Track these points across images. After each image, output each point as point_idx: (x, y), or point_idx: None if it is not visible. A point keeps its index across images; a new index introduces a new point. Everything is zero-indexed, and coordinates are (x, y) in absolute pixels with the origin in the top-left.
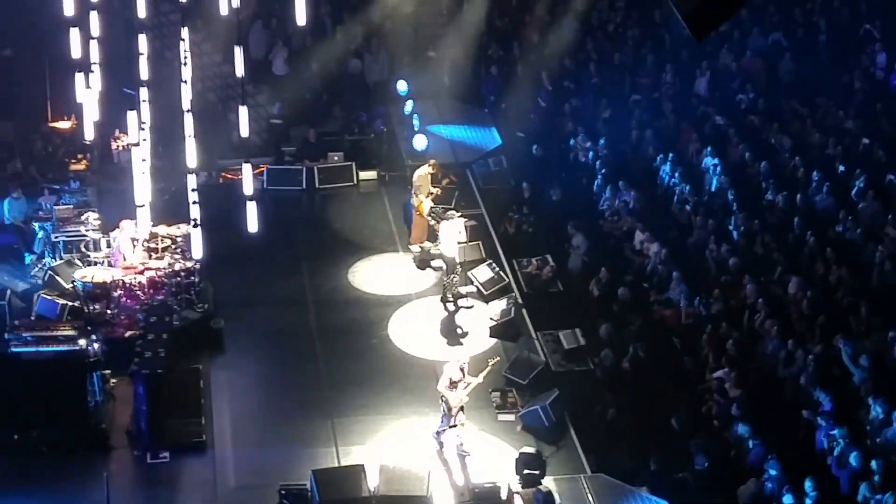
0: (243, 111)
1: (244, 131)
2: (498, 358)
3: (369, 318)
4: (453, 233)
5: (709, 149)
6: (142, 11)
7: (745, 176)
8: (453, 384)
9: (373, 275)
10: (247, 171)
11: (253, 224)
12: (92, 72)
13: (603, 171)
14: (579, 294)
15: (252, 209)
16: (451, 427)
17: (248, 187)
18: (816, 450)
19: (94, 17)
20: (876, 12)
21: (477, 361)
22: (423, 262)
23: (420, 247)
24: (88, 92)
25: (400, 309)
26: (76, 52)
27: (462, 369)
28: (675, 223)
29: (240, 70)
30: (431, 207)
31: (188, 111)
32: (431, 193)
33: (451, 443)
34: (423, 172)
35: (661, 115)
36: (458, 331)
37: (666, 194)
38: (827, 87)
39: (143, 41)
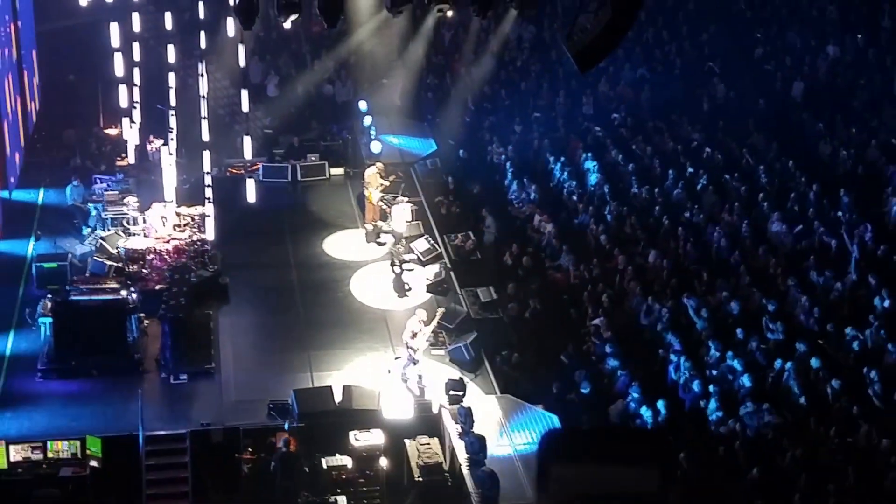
0: (247, 141)
1: (247, 153)
2: (443, 309)
3: (336, 278)
4: (403, 214)
5: (590, 154)
6: (171, 56)
7: (616, 174)
8: (414, 334)
9: (339, 245)
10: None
11: (252, 196)
12: (134, 92)
13: (511, 170)
14: (492, 261)
15: (251, 186)
16: (414, 364)
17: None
18: (668, 379)
19: (135, 48)
20: (717, 52)
21: (424, 313)
22: (372, 236)
23: (373, 225)
24: (132, 130)
25: (358, 271)
26: (120, 71)
27: (421, 321)
28: (565, 208)
29: (245, 105)
30: (382, 196)
31: (204, 118)
32: (381, 185)
33: (414, 376)
34: (371, 171)
35: (555, 129)
36: (405, 287)
37: (558, 187)
38: (680, 108)
39: (171, 77)
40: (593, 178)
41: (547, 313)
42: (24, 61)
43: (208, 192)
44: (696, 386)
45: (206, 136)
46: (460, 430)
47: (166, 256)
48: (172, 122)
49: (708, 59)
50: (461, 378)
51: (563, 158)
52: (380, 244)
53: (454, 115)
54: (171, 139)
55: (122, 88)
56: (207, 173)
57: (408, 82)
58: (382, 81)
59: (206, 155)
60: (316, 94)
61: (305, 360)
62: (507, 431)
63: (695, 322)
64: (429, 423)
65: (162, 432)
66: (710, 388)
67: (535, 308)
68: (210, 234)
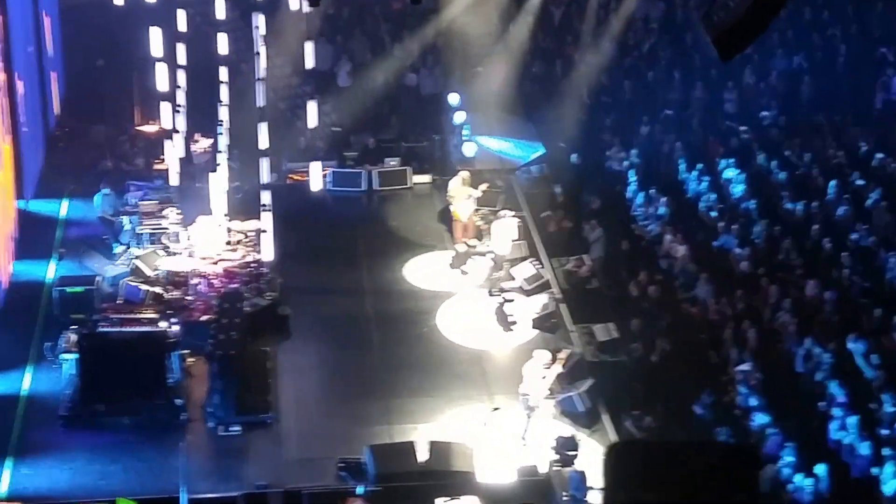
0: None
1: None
2: (569, 351)
3: (420, 309)
4: (506, 231)
5: (733, 160)
6: (223, 44)
7: (766, 185)
8: (534, 381)
9: (424, 270)
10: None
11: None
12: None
13: (636, 179)
14: (613, 290)
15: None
16: (528, 418)
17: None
18: (830, 440)
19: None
20: (891, 37)
21: (546, 355)
22: (459, 261)
23: (465, 245)
24: (174, 122)
25: (447, 301)
26: (158, 51)
27: (545, 366)
28: (702, 227)
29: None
30: (477, 210)
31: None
32: (469, 198)
33: (529, 431)
34: (456, 182)
35: (690, 129)
36: (508, 320)
37: (693, 201)
38: (845, 105)
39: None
40: (737, 191)
41: (679, 356)
42: (42, 41)
43: (266, 202)
44: (865, 448)
45: (263, 136)
46: (571, 499)
47: (214, 281)
48: (223, 115)
49: (879, 44)
50: (573, 435)
51: (699, 165)
52: (463, 272)
53: (566, 111)
54: (221, 136)
55: (161, 69)
56: (265, 184)
57: (509, 71)
58: (478, 70)
59: (264, 159)
60: (397, 84)
61: (383, 410)
62: None
63: (863, 370)
64: (534, 490)
65: (209, 495)
66: (884, 451)
67: (665, 349)
68: (268, 254)
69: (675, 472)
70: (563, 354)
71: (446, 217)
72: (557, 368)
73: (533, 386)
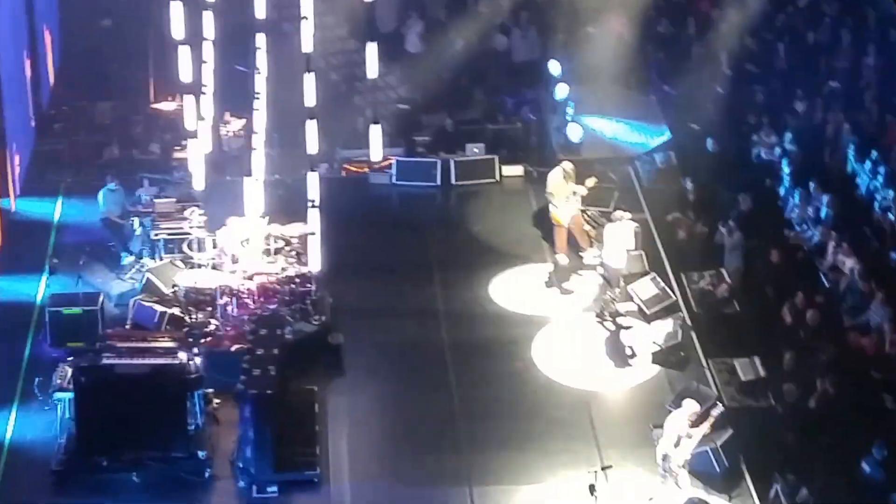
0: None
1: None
2: (720, 407)
3: (511, 338)
4: (621, 238)
5: None
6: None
7: None
8: (679, 438)
9: (517, 288)
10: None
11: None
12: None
13: (790, 171)
14: (759, 315)
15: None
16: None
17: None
18: None
19: None
20: None
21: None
22: (562, 275)
23: (571, 255)
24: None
25: (545, 328)
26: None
27: (690, 418)
28: (877, 234)
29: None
30: (584, 211)
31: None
32: (573, 195)
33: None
34: (557, 175)
35: (861, 107)
36: (627, 351)
37: (865, 200)
38: None
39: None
40: None
41: (845, 399)
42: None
43: (313, 197)
44: None
45: (311, 116)
46: None
47: (247, 300)
48: (260, 87)
49: None
50: (706, 502)
51: (874, 154)
52: (564, 291)
53: (700, 84)
54: (258, 115)
55: (181, 32)
56: (313, 170)
57: (626, 33)
58: (587, 31)
59: (312, 143)
60: (481, 50)
61: (462, 467)
62: None
63: None
64: None
65: None
66: None
67: (827, 391)
68: (315, 265)
69: None
70: (715, 412)
71: (544, 220)
72: (706, 428)
73: (676, 445)
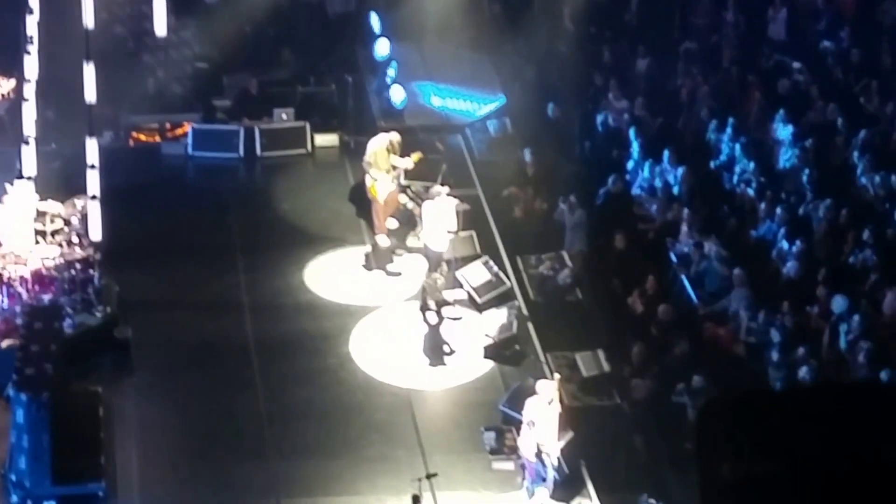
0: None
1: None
2: (557, 376)
3: (325, 331)
4: (441, 217)
5: (781, 112)
6: None
7: (829, 150)
8: (532, 423)
9: (332, 274)
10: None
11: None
12: None
13: (640, 140)
14: (605, 303)
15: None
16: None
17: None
18: None
19: None
20: None
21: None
22: (382, 257)
23: (387, 236)
24: None
25: (365, 319)
26: None
27: (548, 401)
28: (737, 211)
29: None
30: (405, 187)
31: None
32: (395, 170)
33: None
34: (378, 144)
35: (718, 67)
36: (445, 349)
37: (724, 172)
38: None
39: None
40: (787, 157)
41: (703, 396)
42: None
43: (92, 172)
44: None
45: (90, 76)
46: None
47: (20, 289)
48: (31, 47)
49: None
50: None
51: (731, 120)
52: (390, 273)
53: (539, 41)
54: (29, 79)
55: None
56: (93, 144)
57: None
58: None
59: (90, 92)
60: (290, 0)
61: (269, 478)
62: None
63: None
64: None
65: None
66: None
67: (681, 389)
68: (96, 235)
69: (798, 430)
70: (555, 381)
71: (362, 197)
72: (557, 406)
73: (546, 432)
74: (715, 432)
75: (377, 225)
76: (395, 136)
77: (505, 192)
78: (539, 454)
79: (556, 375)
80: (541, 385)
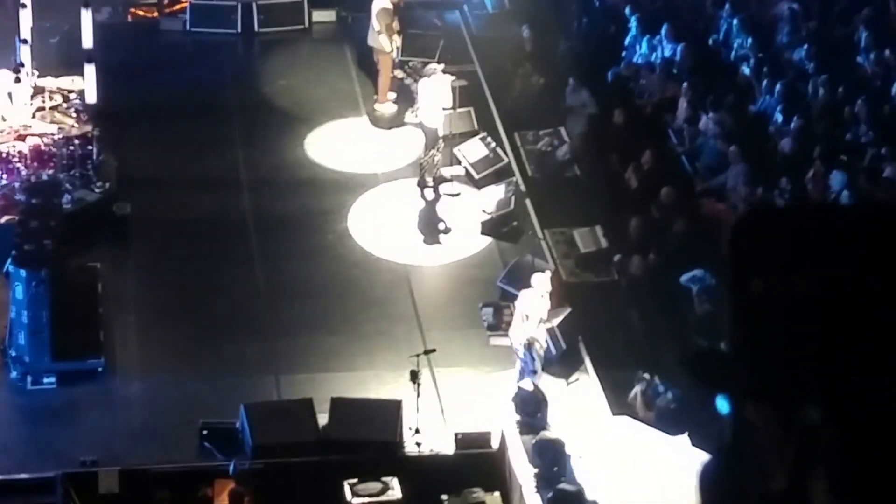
0: None
1: None
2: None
3: (323, 207)
4: (436, 94)
5: None
6: None
7: (828, 23)
8: (526, 318)
9: (329, 147)
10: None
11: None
12: None
13: (637, 15)
14: (601, 179)
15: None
16: (533, 374)
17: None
18: None
19: None
20: None
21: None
22: (382, 121)
23: (384, 104)
24: None
25: (363, 195)
26: None
27: (543, 294)
28: (734, 86)
29: None
30: (404, 62)
31: None
32: (394, 33)
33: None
34: (384, 4)
35: None
36: (440, 225)
37: (722, 47)
38: None
39: None
40: (784, 32)
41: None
42: None
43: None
44: None
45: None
46: (539, 480)
47: (19, 165)
48: None
49: None
50: (538, 389)
51: None
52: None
53: None
54: None
55: None
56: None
57: None
58: None
59: None
60: None
61: (267, 354)
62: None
63: None
64: (484, 467)
65: (14, 476)
66: None
67: (671, 262)
68: (91, 97)
69: (834, 247)
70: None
71: (361, 73)
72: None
73: (538, 326)
74: (748, 246)
75: (383, 89)
76: None
77: (510, 67)
78: (529, 346)
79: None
80: (535, 278)
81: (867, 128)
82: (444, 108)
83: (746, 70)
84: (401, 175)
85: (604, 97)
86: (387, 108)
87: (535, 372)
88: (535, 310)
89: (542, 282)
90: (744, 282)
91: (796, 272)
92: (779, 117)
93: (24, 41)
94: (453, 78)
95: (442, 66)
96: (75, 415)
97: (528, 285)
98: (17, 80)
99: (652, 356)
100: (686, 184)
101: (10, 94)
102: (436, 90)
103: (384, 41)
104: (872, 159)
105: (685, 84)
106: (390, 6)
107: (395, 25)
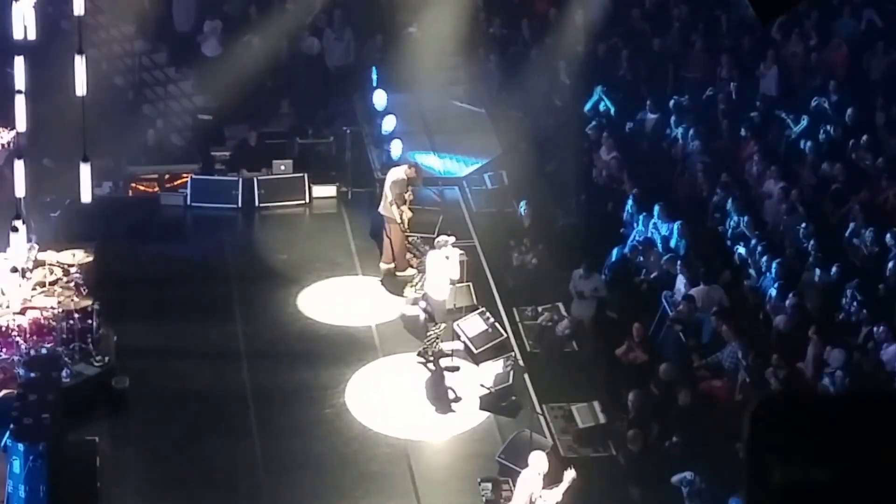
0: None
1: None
2: (573, 472)
3: (322, 381)
4: (445, 266)
5: (774, 168)
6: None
7: (821, 205)
8: (531, 501)
9: (324, 303)
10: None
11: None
12: None
13: (635, 192)
14: (602, 356)
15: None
16: None
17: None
18: None
19: None
20: None
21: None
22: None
23: (398, 275)
24: None
25: (362, 370)
26: None
27: (539, 475)
28: (730, 268)
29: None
30: (407, 236)
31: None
32: (405, 204)
33: None
34: (398, 176)
35: (712, 121)
36: (450, 394)
37: (719, 227)
38: None
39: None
40: (779, 212)
41: (696, 450)
42: None
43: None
44: None
45: (80, 70)
46: None
47: (18, 338)
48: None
49: None
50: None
51: (724, 177)
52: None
53: (536, 94)
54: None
55: None
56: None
57: (452, 32)
58: (409, 31)
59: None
60: (290, 53)
61: None
62: None
63: None
64: None
65: None
66: None
67: (673, 441)
68: (86, 197)
69: (853, 436)
70: (568, 476)
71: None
72: (559, 494)
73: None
74: (765, 436)
75: (387, 255)
76: (414, 166)
77: (505, 245)
78: None
79: (570, 476)
80: (533, 457)
81: (861, 307)
82: (451, 281)
83: (741, 249)
84: (394, 328)
85: (609, 278)
86: (408, 274)
87: None
88: (527, 488)
89: (539, 460)
90: (762, 470)
91: (816, 461)
92: (774, 294)
93: (15, 229)
94: (461, 251)
95: (454, 238)
96: None
97: (526, 461)
98: (14, 269)
99: None
100: (686, 359)
101: (14, 269)
102: (445, 262)
103: (395, 211)
104: (866, 338)
105: (680, 262)
106: (404, 178)
107: (407, 197)
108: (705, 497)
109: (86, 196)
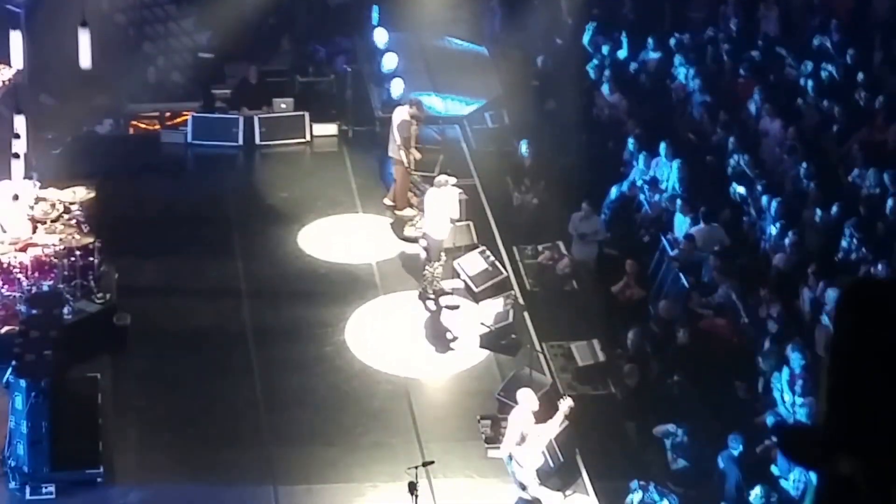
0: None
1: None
2: (569, 401)
3: (323, 319)
4: (444, 206)
5: (765, 104)
6: None
7: (820, 147)
8: (524, 437)
9: (324, 241)
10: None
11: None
12: None
13: (637, 132)
14: (602, 294)
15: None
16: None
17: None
18: None
19: None
20: None
21: (530, 396)
22: (396, 227)
23: (397, 213)
24: None
25: (362, 307)
26: None
27: (530, 413)
28: (730, 205)
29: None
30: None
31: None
32: (412, 146)
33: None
34: (402, 117)
35: (714, 60)
36: (448, 335)
37: (718, 165)
38: None
39: None
40: (778, 154)
41: (695, 386)
42: None
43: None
44: None
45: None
46: None
47: (20, 276)
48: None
49: None
50: (537, 500)
51: (723, 116)
52: (409, 239)
53: (538, 31)
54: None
55: None
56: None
57: None
58: None
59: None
60: None
61: (265, 464)
62: None
63: None
64: None
65: None
66: None
67: (674, 380)
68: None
69: None
70: (564, 406)
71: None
72: (555, 427)
73: (519, 443)
74: (853, 321)
75: (401, 198)
76: (417, 104)
77: (503, 183)
78: (511, 457)
79: (564, 406)
80: (521, 394)
81: (860, 245)
82: (451, 220)
83: (741, 188)
84: (394, 266)
85: (609, 217)
86: (407, 213)
87: (523, 487)
88: (518, 426)
89: (528, 398)
90: (847, 358)
91: None
92: (773, 232)
93: (16, 155)
94: (461, 191)
95: (454, 179)
96: None
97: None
98: (16, 197)
99: (647, 466)
100: (682, 297)
101: (15, 198)
102: (444, 201)
103: (402, 154)
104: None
105: (680, 200)
106: (408, 119)
107: (413, 132)
108: (688, 451)
109: (85, 62)
